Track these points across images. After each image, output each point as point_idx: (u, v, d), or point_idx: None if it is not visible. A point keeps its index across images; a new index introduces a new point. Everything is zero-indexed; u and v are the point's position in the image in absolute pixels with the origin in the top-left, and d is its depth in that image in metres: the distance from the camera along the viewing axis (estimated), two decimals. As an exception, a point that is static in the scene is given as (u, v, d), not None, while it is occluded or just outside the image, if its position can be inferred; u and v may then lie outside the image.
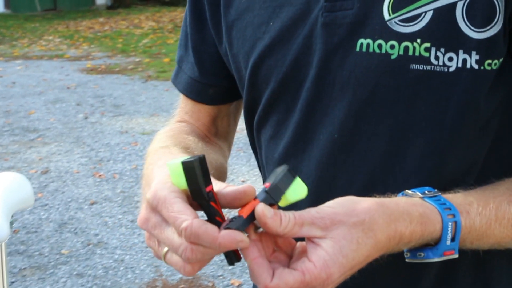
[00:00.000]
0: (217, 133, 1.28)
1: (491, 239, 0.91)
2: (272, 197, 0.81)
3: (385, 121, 0.95)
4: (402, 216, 0.84)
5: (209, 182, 0.80)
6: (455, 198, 0.90)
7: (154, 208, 0.81)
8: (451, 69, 0.91)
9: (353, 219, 0.80)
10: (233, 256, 0.83)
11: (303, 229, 0.79)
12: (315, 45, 0.99)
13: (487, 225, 0.89)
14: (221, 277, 3.89)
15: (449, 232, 0.86)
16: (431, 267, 0.98)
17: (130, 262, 4.11)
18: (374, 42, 0.94)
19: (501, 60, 0.92)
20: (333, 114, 0.98)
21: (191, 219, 0.76)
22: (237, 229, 0.78)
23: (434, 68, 0.92)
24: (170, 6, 18.53)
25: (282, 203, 0.81)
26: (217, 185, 0.81)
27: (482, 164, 0.97)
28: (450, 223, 0.86)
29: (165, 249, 0.81)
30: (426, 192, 0.90)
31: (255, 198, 0.81)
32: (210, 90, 1.22)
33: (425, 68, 0.92)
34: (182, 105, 1.27)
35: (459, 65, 0.91)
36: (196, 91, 1.23)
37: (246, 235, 0.79)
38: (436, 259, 0.87)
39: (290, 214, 0.80)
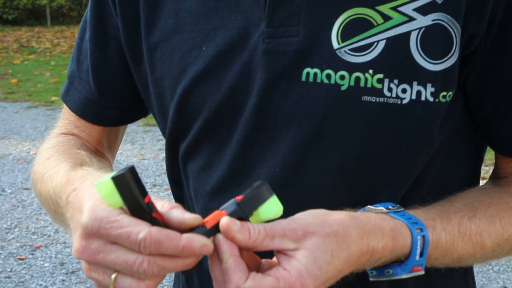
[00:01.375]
0: (107, 147, 1.21)
1: (454, 255, 0.90)
2: (242, 211, 0.77)
3: (334, 156, 0.90)
4: (374, 230, 0.82)
5: (145, 192, 0.75)
6: (418, 213, 0.89)
7: (95, 233, 0.74)
8: (404, 101, 0.88)
9: (327, 229, 0.78)
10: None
11: (274, 241, 0.77)
12: (255, 73, 0.92)
13: (451, 240, 0.89)
14: (89, 305, 3.73)
15: (418, 247, 0.85)
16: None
17: (-12, 294, 3.85)
18: (322, 71, 0.89)
19: (454, 91, 0.90)
20: (275, 148, 0.92)
21: (147, 227, 0.72)
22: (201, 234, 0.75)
23: (387, 100, 0.88)
24: (14, 25, 17.80)
25: (253, 219, 0.78)
26: (158, 205, 0.77)
27: (429, 190, 0.96)
28: (419, 237, 0.85)
29: (113, 275, 0.75)
30: (390, 207, 0.88)
31: (221, 210, 0.77)
32: (109, 113, 1.14)
33: (377, 100, 0.88)
34: (70, 118, 1.17)
35: (413, 97, 0.88)
36: (93, 113, 1.14)
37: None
38: (404, 276, 0.86)
39: (260, 226, 0.76)
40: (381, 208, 0.88)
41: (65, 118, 1.18)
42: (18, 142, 6.97)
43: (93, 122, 1.15)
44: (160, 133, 7.09)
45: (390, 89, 0.88)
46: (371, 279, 0.89)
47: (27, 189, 5.55)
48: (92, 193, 0.79)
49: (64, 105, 1.18)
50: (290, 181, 0.92)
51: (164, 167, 6.01)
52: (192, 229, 0.75)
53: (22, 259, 4.29)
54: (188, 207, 1.07)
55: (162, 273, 0.74)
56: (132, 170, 0.73)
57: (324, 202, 0.91)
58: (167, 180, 5.59)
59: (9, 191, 5.51)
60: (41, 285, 3.96)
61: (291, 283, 0.74)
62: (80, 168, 0.97)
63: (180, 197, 1.12)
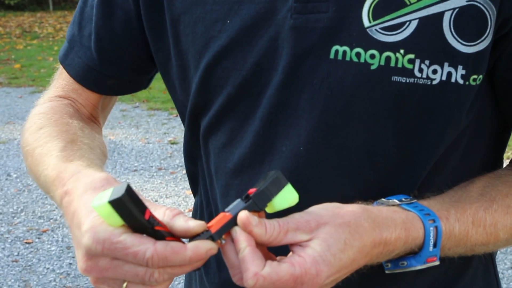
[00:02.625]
0: (101, 111, 1.19)
1: (467, 245, 0.90)
2: (256, 204, 0.78)
3: (359, 135, 0.89)
4: (386, 221, 0.82)
5: (144, 208, 0.74)
6: (432, 204, 0.88)
7: (100, 253, 0.74)
8: (434, 82, 0.86)
9: (339, 220, 0.79)
10: None
11: (288, 235, 0.77)
12: (281, 49, 0.90)
13: (465, 231, 0.88)
14: (96, 288, 3.74)
15: (431, 238, 0.84)
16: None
17: (-4, 278, 3.86)
18: (351, 50, 0.86)
19: (484, 74, 0.89)
20: (299, 125, 0.91)
21: (152, 245, 0.72)
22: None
23: (417, 81, 0.86)
24: (16, 11, 17.76)
25: (269, 209, 0.79)
26: (161, 213, 0.76)
27: (451, 173, 0.96)
28: (431, 228, 0.84)
29: (124, 284, 0.76)
30: (403, 199, 0.88)
31: (226, 212, 0.78)
32: (108, 81, 1.12)
33: (407, 81, 0.86)
34: (69, 80, 1.14)
35: (443, 78, 0.86)
36: (92, 81, 1.12)
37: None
38: (419, 267, 0.86)
39: (274, 221, 0.77)
40: (394, 200, 0.88)
41: (62, 79, 1.16)
42: (23, 127, 6.95)
43: (92, 89, 1.13)
44: (164, 117, 7.10)
45: (421, 70, 0.86)
46: (386, 271, 0.88)
47: (32, 173, 5.55)
48: (88, 206, 0.78)
49: (61, 67, 1.16)
50: (314, 160, 0.91)
51: (169, 150, 6.03)
52: (196, 236, 0.76)
53: (29, 243, 4.30)
54: (205, 185, 1.06)
55: (173, 277, 0.76)
56: (128, 190, 0.72)
57: (347, 182, 0.91)
58: (172, 164, 5.64)
59: (15, 175, 5.51)
60: (48, 268, 3.97)
61: (306, 268, 0.75)
62: (71, 152, 0.96)
63: (195, 175, 1.11)
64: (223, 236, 0.77)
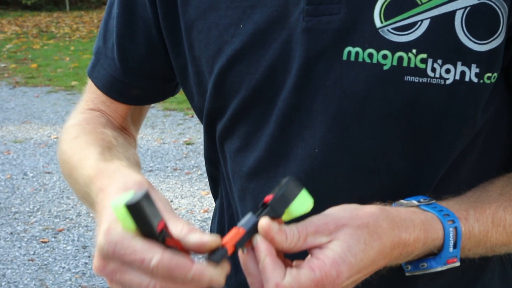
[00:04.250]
0: (131, 122, 1.20)
1: (487, 245, 0.89)
2: (275, 211, 0.77)
3: (374, 137, 0.89)
4: (404, 222, 0.81)
5: (159, 218, 0.72)
6: (450, 205, 0.88)
7: (111, 255, 0.74)
8: (448, 82, 0.86)
9: (357, 221, 0.78)
10: None
11: (308, 240, 0.77)
12: (294, 52, 0.90)
13: (485, 231, 0.87)
14: (111, 288, 3.76)
15: (451, 239, 0.84)
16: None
17: (12, 276, 3.88)
18: (364, 50, 0.87)
19: (498, 72, 0.88)
20: (314, 127, 0.91)
21: (160, 253, 0.71)
22: (217, 261, 0.73)
23: (430, 80, 0.86)
24: (33, 11, 17.85)
25: (285, 217, 0.78)
26: (178, 227, 0.75)
27: (468, 173, 0.95)
28: (451, 229, 0.84)
29: None
30: (422, 200, 0.87)
31: (239, 227, 0.76)
32: (132, 91, 1.13)
33: (420, 81, 0.86)
34: (98, 93, 1.16)
35: (457, 77, 0.86)
36: (118, 91, 1.13)
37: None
38: (439, 268, 0.85)
39: (293, 227, 0.76)
40: (413, 201, 0.87)
41: (91, 92, 1.18)
42: (39, 126, 7.01)
43: (118, 100, 1.15)
44: (180, 117, 7.11)
45: (433, 69, 0.86)
46: (407, 274, 0.88)
47: (49, 173, 5.59)
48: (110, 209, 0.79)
49: (89, 80, 1.18)
50: (329, 162, 0.91)
51: (185, 151, 6.04)
52: (212, 252, 0.74)
53: (45, 242, 4.32)
54: (225, 188, 1.07)
55: None
56: (146, 197, 0.71)
57: (363, 184, 0.91)
58: (187, 164, 5.65)
59: (31, 175, 5.55)
60: (64, 267, 3.99)
61: (326, 271, 0.74)
62: (109, 156, 0.97)
63: (216, 178, 1.12)
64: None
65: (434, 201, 0.87)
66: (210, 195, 4.93)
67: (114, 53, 1.10)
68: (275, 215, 0.77)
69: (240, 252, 0.77)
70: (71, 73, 9.57)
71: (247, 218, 0.77)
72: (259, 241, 0.76)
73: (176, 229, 0.75)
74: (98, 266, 0.76)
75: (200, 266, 0.71)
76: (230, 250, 0.74)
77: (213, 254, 0.73)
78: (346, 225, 0.77)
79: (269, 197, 0.78)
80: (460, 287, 1.00)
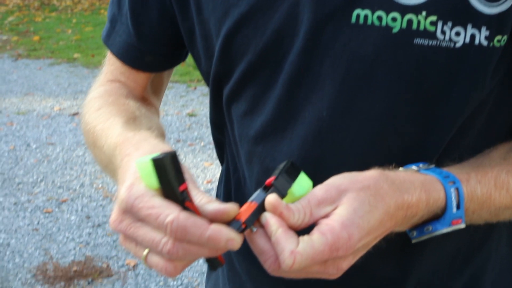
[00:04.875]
0: (152, 92, 1.20)
1: (491, 208, 0.88)
2: (279, 191, 0.76)
3: (382, 100, 0.88)
4: (405, 184, 0.81)
5: (182, 180, 0.73)
6: (451, 169, 0.87)
7: (129, 209, 0.74)
8: (457, 45, 0.85)
9: (358, 185, 0.77)
10: (216, 261, 0.78)
11: (313, 214, 0.76)
12: (302, 15, 0.89)
13: (488, 194, 0.87)
14: (115, 257, 3.78)
15: (453, 199, 0.83)
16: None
17: (16, 246, 3.91)
18: (373, 13, 0.85)
19: (508, 35, 0.86)
20: (321, 91, 0.90)
21: (177, 212, 0.70)
22: (238, 230, 0.73)
23: (439, 43, 0.85)
24: (35, -17, 17.78)
25: (288, 199, 0.77)
26: (198, 197, 0.75)
27: (475, 139, 0.94)
28: (452, 190, 0.83)
29: (145, 251, 0.75)
30: (421, 165, 0.87)
31: (251, 202, 0.76)
32: (147, 57, 1.13)
33: (430, 44, 0.85)
34: (116, 64, 1.17)
35: (467, 40, 0.84)
36: (132, 57, 1.13)
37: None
38: (444, 230, 0.84)
39: (297, 203, 0.76)
40: (412, 167, 0.87)
41: (111, 64, 1.18)
42: (42, 98, 7.00)
43: (132, 66, 1.15)
44: (183, 89, 7.10)
45: (443, 32, 0.84)
46: (413, 241, 0.87)
47: (52, 144, 5.60)
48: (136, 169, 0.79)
49: (108, 52, 1.18)
50: (337, 125, 0.90)
51: (187, 123, 6.04)
52: (227, 223, 0.74)
53: (49, 212, 4.34)
54: (232, 152, 1.07)
55: (187, 258, 0.73)
56: (173, 156, 0.72)
57: (371, 147, 0.90)
58: (190, 136, 5.67)
59: (34, 146, 5.56)
60: (68, 237, 4.01)
61: (338, 233, 0.73)
62: (134, 126, 0.97)
63: (222, 143, 1.11)
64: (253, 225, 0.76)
65: (433, 165, 0.87)
66: (213, 166, 4.95)
67: (128, 19, 1.10)
68: (280, 194, 0.76)
69: (248, 232, 0.76)
70: (73, 45, 9.54)
71: (258, 193, 0.77)
72: (268, 216, 0.75)
73: (196, 198, 0.75)
74: (115, 220, 0.76)
75: (218, 227, 0.71)
76: (243, 219, 0.74)
77: (229, 225, 0.73)
78: (347, 190, 0.77)
79: (270, 180, 0.77)
80: (467, 251, 1.00)
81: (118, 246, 3.89)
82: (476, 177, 0.87)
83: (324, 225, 0.74)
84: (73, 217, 4.27)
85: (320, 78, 0.90)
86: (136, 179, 0.75)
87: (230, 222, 0.74)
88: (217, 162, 4.97)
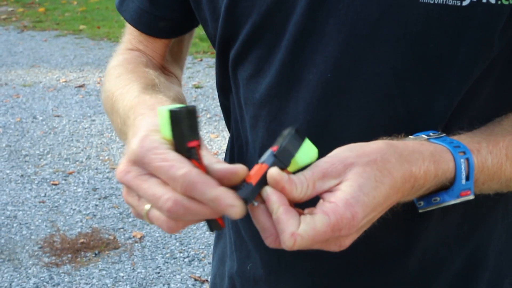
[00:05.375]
0: (172, 61, 1.19)
1: (502, 179, 0.87)
2: (281, 161, 0.74)
3: (388, 60, 0.86)
4: (413, 155, 0.79)
5: (195, 137, 0.72)
6: (462, 138, 0.85)
7: (140, 160, 0.72)
8: (464, 3, 0.83)
9: (365, 159, 0.75)
10: (215, 223, 0.76)
11: (316, 186, 0.73)
12: None
13: (499, 164, 0.85)
14: (122, 229, 3.80)
15: (462, 170, 0.81)
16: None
17: (23, 218, 3.93)
18: None
19: None
20: (326, 51, 0.88)
21: (190, 167, 0.69)
22: (247, 197, 0.72)
23: (446, 1, 0.83)
24: (40, -46, 17.69)
25: (291, 167, 0.75)
26: (207, 157, 0.73)
27: (483, 103, 0.92)
28: (462, 160, 0.81)
29: (147, 206, 0.74)
30: (431, 134, 0.84)
31: (262, 163, 0.74)
32: (160, 23, 1.12)
33: (436, 2, 0.83)
34: (134, 33, 1.16)
35: None
36: (146, 23, 1.13)
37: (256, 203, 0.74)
38: (452, 202, 0.83)
39: (300, 175, 0.73)
40: (422, 136, 0.84)
41: (129, 33, 1.18)
42: (48, 70, 6.99)
43: (146, 32, 1.14)
44: (189, 61, 7.07)
45: None
46: (420, 211, 0.86)
47: (58, 116, 5.59)
48: (151, 122, 0.78)
49: (126, 22, 1.18)
50: (342, 86, 0.88)
51: (194, 94, 6.03)
52: (237, 188, 0.72)
53: (55, 185, 4.35)
54: (236, 118, 1.06)
55: (185, 216, 0.71)
56: (190, 110, 0.71)
57: (376, 110, 0.88)
58: (196, 108, 5.72)
59: (41, 118, 5.56)
60: (74, 209, 4.03)
61: (341, 214, 0.71)
62: (152, 91, 0.97)
63: (227, 108, 1.11)
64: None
65: (444, 134, 0.85)
66: (219, 138, 4.95)
67: None
68: (282, 166, 0.74)
69: (250, 206, 0.74)
70: (78, 17, 9.50)
71: (268, 155, 0.75)
72: (269, 192, 0.72)
73: (206, 158, 0.73)
74: (122, 170, 0.74)
75: (226, 189, 0.70)
76: (254, 182, 0.73)
77: (240, 191, 0.72)
78: (353, 164, 0.75)
79: (275, 148, 0.75)
80: (473, 221, 0.99)
81: (124, 218, 3.91)
82: (488, 147, 0.85)
83: (328, 203, 0.72)
84: (79, 189, 4.28)
85: (325, 39, 0.88)
86: (151, 131, 0.75)
87: (240, 185, 0.72)
88: (223, 134, 4.97)
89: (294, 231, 0.70)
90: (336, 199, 0.72)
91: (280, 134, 0.76)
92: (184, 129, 0.71)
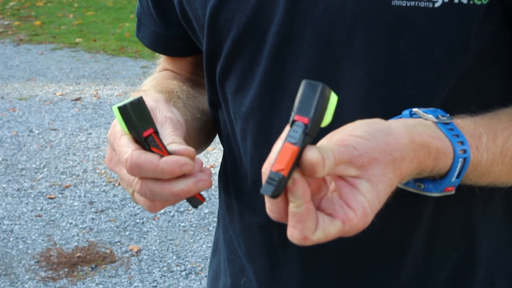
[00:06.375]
0: (202, 76, 1.19)
1: (490, 178, 0.87)
2: (311, 136, 0.66)
3: (364, 65, 0.87)
4: (422, 150, 0.78)
5: (148, 126, 0.78)
6: (466, 127, 0.84)
7: (111, 146, 0.82)
8: (436, 5, 0.84)
9: (388, 157, 0.74)
10: (194, 199, 0.81)
11: (338, 168, 0.71)
12: None
13: (491, 162, 0.85)
14: (118, 243, 3.79)
15: (457, 169, 0.81)
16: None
17: (20, 232, 3.91)
18: None
19: None
20: (306, 60, 0.90)
21: (131, 150, 0.77)
22: (279, 192, 0.64)
23: (418, 3, 0.84)
24: (36, -33, 17.71)
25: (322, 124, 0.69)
26: (167, 140, 0.81)
27: (466, 103, 0.92)
28: (460, 159, 0.81)
29: (131, 189, 0.82)
30: (440, 116, 0.82)
31: (293, 144, 0.65)
32: (176, 43, 1.15)
33: (408, 4, 0.84)
34: (162, 56, 1.21)
35: None
36: (162, 45, 1.16)
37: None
38: (434, 194, 0.83)
39: (330, 153, 0.69)
40: (431, 116, 0.82)
41: (161, 56, 1.23)
42: (44, 83, 6.99)
43: (165, 54, 1.19)
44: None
45: None
46: (400, 186, 0.84)
47: (54, 129, 5.59)
48: None
49: None
50: None
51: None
52: (267, 182, 0.65)
53: (52, 198, 4.34)
54: (227, 133, 1.06)
55: (155, 197, 0.79)
56: (136, 103, 0.77)
57: (358, 115, 0.87)
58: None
59: (37, 131, 5.55)
60: (71, 223, 4.02)
61: (355, 224, 0.71)
62: (150, 91, 1.02)
63: (218, 121, 1.11)
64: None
65: (452, 120, 0.83)
66: (216, 150, 4.94)
67: (151, 8, 1.12)
68: (311, 140, 0.67)
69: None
70: (75, 30, 9.51)
71: (296, 130, 0.66)
72: (297, 184, 0.67)
73: (165, 140, 0.80)
74: (106, 159, 0.86)
75: (168, 158, 0.76)
76: (286, 173, 0.65)
77: (270, 183, 0.64)
78: (377, 161, 0.73)
79: (303, 119, 0.66)
80: (465, 226, 1.00)
81: (121, 232, 3.90)
82: (487, 144, 0.85)
83: (349, 210, 0.71)
84: (76, 203, 4.27)
85: (304, 47, 0.90)
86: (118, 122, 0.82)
87: (270, 176, 0.64)
88: (220, 146, 4.96)
89: (308, 236, 0.69)
90: (356, 205, 0.71)
91: (303, 93, 0.67)
92: (134, 121, 0.77)
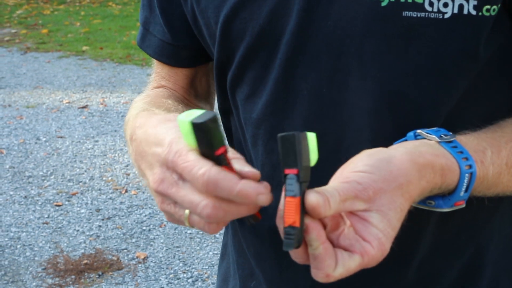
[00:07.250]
0: (196, 95, 1.21)
1: (498, 189, 0.89)
2: (305, 181, 0.72)
3: (374, 75, 0.89)
4: (427, 169, 0.80)
5: (221, 144, 0.73)
6: (469, 143, 0.86)
7: (170, 165, 0.75)
8: (446, 16, 0.85)
9: (393, 184, 0.76)
10: (252, 216, 0.78)
11: (346, 204, 0.74)
12: None
13: (498, 174, 0.87)
14: (125, 250, 3.80)
15: (464, 184, 0.83)
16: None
17: (27, 239, 3.93)
18: None
19: (499, 5, 0.87)
20: (317, 68, 0.92)
21: (209, 166, 0.72)
22: (299, 243, 0.71)
23: (428, 15, 0.85)
24: (43, -24, 17.80)
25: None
26: (238, 163, 0.75)
27: (475, 112, 0.94)
28: (467, 175, 0.83)
29: (187, 212, 0.76)
30: (443, 136, 0.85)
31: (290, 196, 0.71)
32: (182, 52, 1.15)
33: (418, 15, 0.86)
34: (157, 70, 1.20)
35: (455, 11, 0.85)
36: (168, 55, 1.16)
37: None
38: (445, 209, 0.85)
39: (335, 192, 0.73)
40: (433, 136, 0.85)
41: (154, 72, 1.22)
42: (51, 91, 7.02)
43: (169, 63, 1.17)
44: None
45: (431, 4, 0.86)
46: (413, 205, 0.85)
47: (61, 137, 5.61)
48: (169, 127, 0.81)
49: (154, 60, 1.21)
50: (336, 100, 0.91)
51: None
52: (286, 236, 0.71)
53: (58, 206, 4.36)
54: (238, 138, 1.08)
55: (225, 219, 0.74)
56: (213, 120, 0.71)
57: (367, 123, 0.91)
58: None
59: (44, 139, 5.57)
60: (78, 230, 4.03)
61: (373, 255, 0.74)
62: (157, 110, 0.99)
63: (228, 129, 1.13)
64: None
65: (454, 137, 0.86)
66: (222, 158, 4.94)
67: (159, 18, 1.13)
68: (306, 184, 0.73)
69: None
70: (81, 38, 9.55)
71: (291, 183, 0.72)
72: (310, 226, 0.72)
73: (235, 161, 0.76)
74: (157, 179, 0.77)
75: (247, 181, 0.71)
76: (298, 224, 0.71)
77: (288, 237, 0.70)
78: (383, 191, 0.75)
79: (291, 171, 0.72)
80: (471, 230, 1.01)
81: (128, 239, 3.91)
82: (491, 157, 0.87)
83: (365, 244, 0.74)
84: (83, 210, 4.29)
85: (315, 56, 0.91)
86: (175, 136, 0.77)
87: (289, 234, 0.71)
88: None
89: (330, 273, 0.72)
90: (371, 237, 0.74)
91: (283, 147, 0.72)
92: (209, 139, 0.72)
